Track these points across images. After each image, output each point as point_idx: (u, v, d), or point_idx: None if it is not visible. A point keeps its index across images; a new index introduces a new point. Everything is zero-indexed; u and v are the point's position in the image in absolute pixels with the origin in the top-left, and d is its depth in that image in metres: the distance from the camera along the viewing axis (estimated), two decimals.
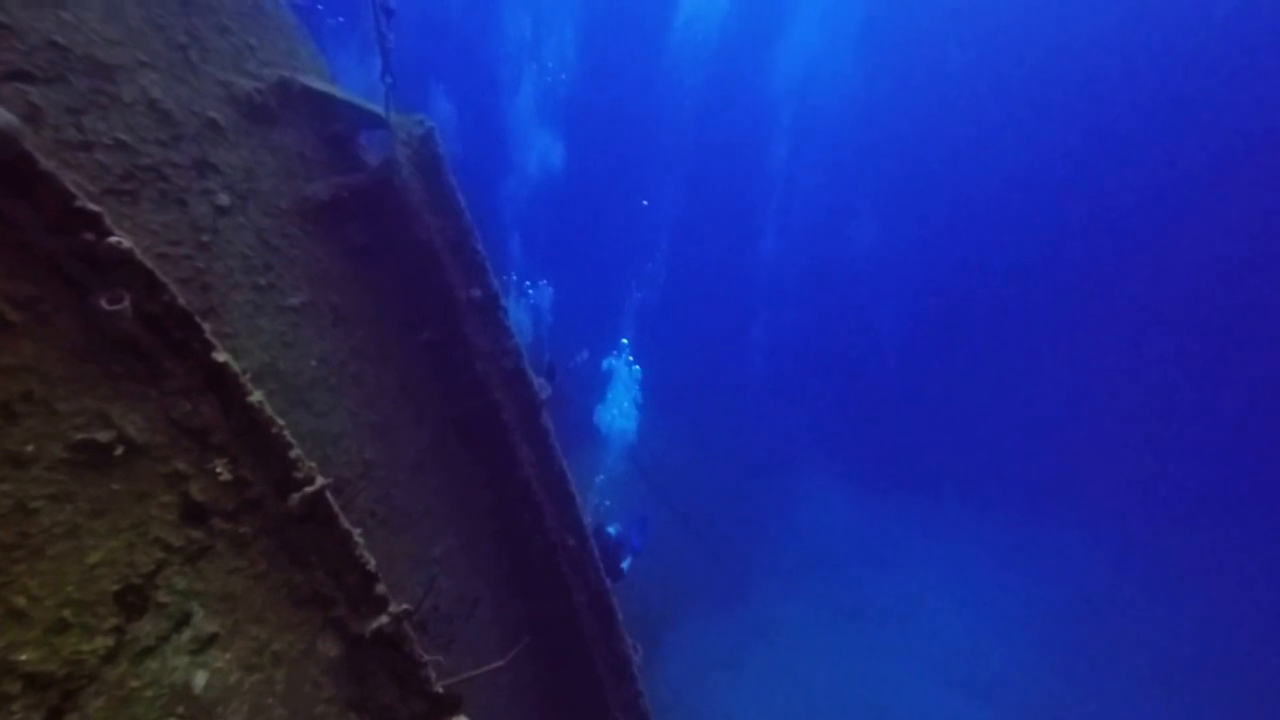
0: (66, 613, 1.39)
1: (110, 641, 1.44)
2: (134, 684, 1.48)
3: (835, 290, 23.98)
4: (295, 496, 1.79)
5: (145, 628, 1.50)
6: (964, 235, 24.15)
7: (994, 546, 16.08)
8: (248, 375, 1.73)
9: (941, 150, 23.38)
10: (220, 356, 1.64)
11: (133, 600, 1.49)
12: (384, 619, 1.95)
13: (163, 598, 1.54)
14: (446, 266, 4.07)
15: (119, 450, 1.47)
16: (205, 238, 3.00)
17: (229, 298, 2.98)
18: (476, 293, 4.21)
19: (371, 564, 1.98)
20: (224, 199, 3.14)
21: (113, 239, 1.47)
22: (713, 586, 13.02)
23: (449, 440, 4.04)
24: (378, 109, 3.82)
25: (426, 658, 2.06)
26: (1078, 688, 12.41)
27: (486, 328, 4.20)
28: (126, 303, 1.49)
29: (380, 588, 1.98)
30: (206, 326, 1.66)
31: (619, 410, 12.02)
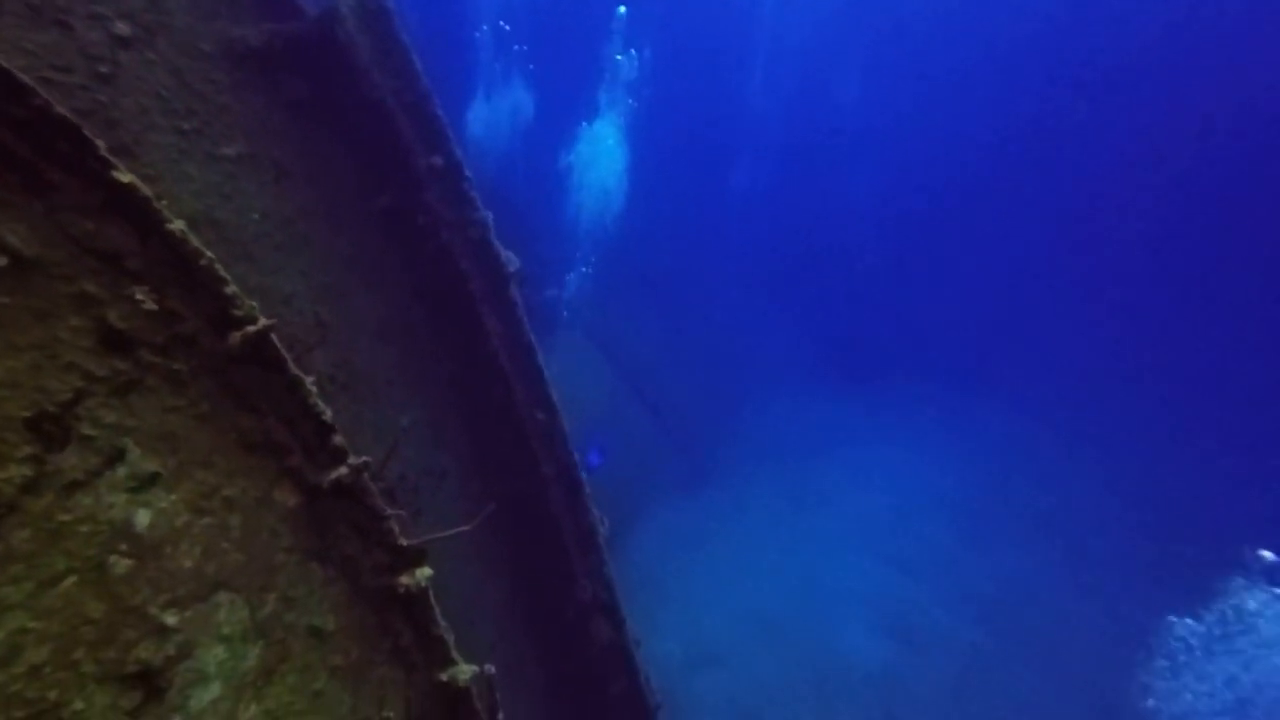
0: None
1: (28, 471, 1.32)
2: (64, 517, 1.38)
3: (813, 162, 23.36)
4: (235, 335, 1.63)
5: (70, 460, 1.38)
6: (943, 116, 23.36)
7: (924, 431, 17.09)
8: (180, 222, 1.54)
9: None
10: (123, 176, 1.43)
11: (50, 429, 1.36)
12: (343, 470, 1.87)
13: (88, 430, 1.41)
14: (403, 132, 3.74)
15: (1, 261, 1.29)
16: (104, 69, 2.64)
17: (145, 138, 2.68)
18: (438, 160, 3.90)
19: (327, 414, 1.87)
20: (123, 28, 2.75)
21: None
22: (678, 474, 13.53)
23: (413, 309, 3.87)
24: None
25: (389, 511, 2.01)
26: (991, 558, 13.59)
27: (449, 197, 3.93)
28: None
29: (338, 439, 1.88)
30: (100, 143, 1.43)
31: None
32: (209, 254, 1.59)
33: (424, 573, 2.04)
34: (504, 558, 4.30)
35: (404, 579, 2.01)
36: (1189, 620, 10.84)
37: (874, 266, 23.10)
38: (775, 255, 21.69)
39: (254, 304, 1.71)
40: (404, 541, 2.02)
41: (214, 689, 1.62)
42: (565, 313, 12.07)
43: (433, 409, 3.89)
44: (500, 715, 2.25)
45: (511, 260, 4.20)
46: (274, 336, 1.72)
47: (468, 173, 3.97)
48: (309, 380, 1.84)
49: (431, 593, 2.09)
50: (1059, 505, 15.16)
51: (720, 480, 14.27)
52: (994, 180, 23.36)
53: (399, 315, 3.79)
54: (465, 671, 2.15)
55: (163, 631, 1.52)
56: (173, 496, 1.55)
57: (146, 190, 1.46)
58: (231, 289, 1.64)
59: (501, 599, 4.28)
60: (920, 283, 23.06)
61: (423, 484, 3.75)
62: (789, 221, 22.62)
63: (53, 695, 1.33)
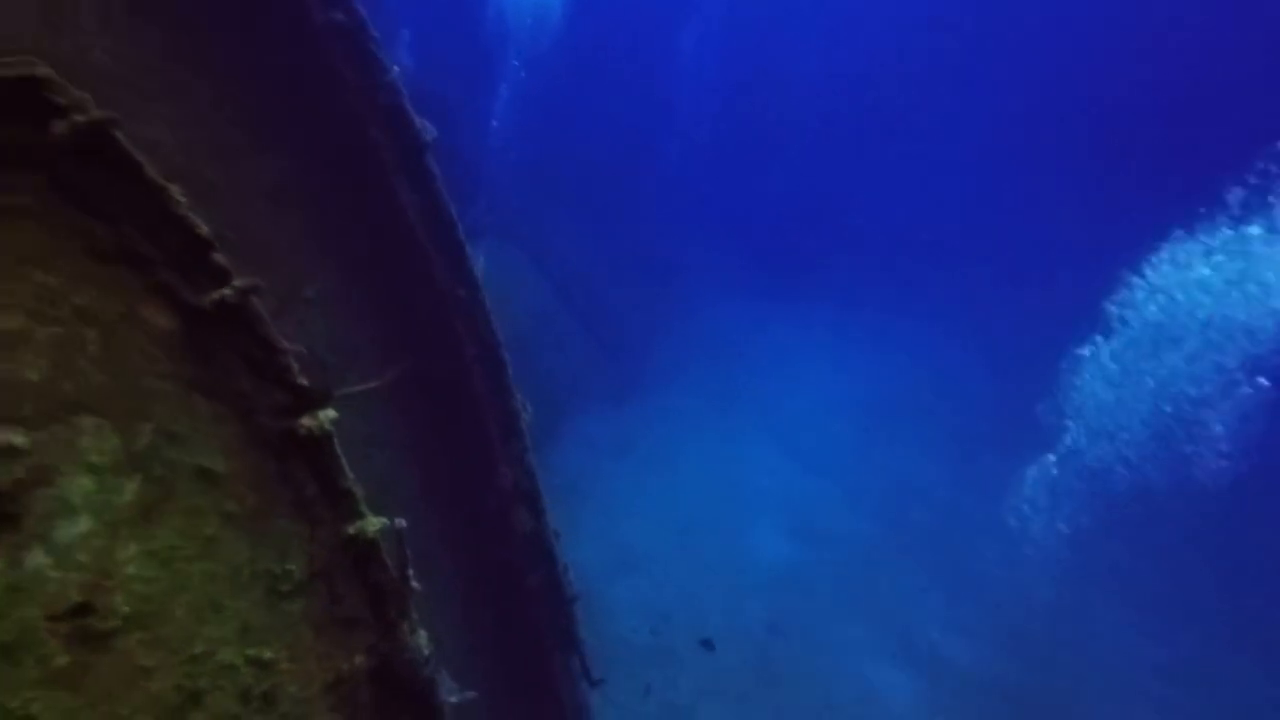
0: None
1: None
2: None
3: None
4: (61, 125, 1.35)
5: None
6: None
7: (850, 338, 17.89)
8: None
9: None
10: None
11: None
12: (226, 291, 1.64)
13: None
14: None
15: None
16: None
17: None
18: (339, 16, 3.44)
19: (203, 229, 1.62)
20: None
21: None
22: (608, 383, 13.56)
23: (317, 176, 3.49)
24: None
25: (287, 345, 1.81)
26: (907, 460, 14.59)
27: (353, 58, 3.50)
28: None
29: (219, 257, 1.65)
30: None
31: None
32: None
33: (328, 415, 1.87)
34: (420, 442, 4.16)
35: (306, 421, 1.84)
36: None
37: (801, 176, 23.23)
38: (707, 161, 21.42)
39: (87, 96, 1.41)
40: (305, 380, 1.84)
41: (83, 523, 1.43)
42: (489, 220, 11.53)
43: (342, 282, 3.60)
44: (410, 571, 2.17)
45: (428, 129, 3.84)
46: (118, 134, 1.45)
47: (373, 30, 3.54)
48: (176, 190, 1.58)
49: (336, 439, 1.94)
50: (952, 409, 16.20)
51: (648, 388, 14.42)
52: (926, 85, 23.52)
53: (300, 181, 3.41)
54: (374, 524, 2.04)
55: (9, 451, 1.31)
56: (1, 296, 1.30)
57: None
58: (47, 73, 1.34)
59: (416, 485, 4.17)
60: (848, 196, 23.26)
61: (331, 361, 3.50)
62: (715, 126, 22.20)
63: None
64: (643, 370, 14.48)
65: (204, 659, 1.69)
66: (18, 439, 1.30)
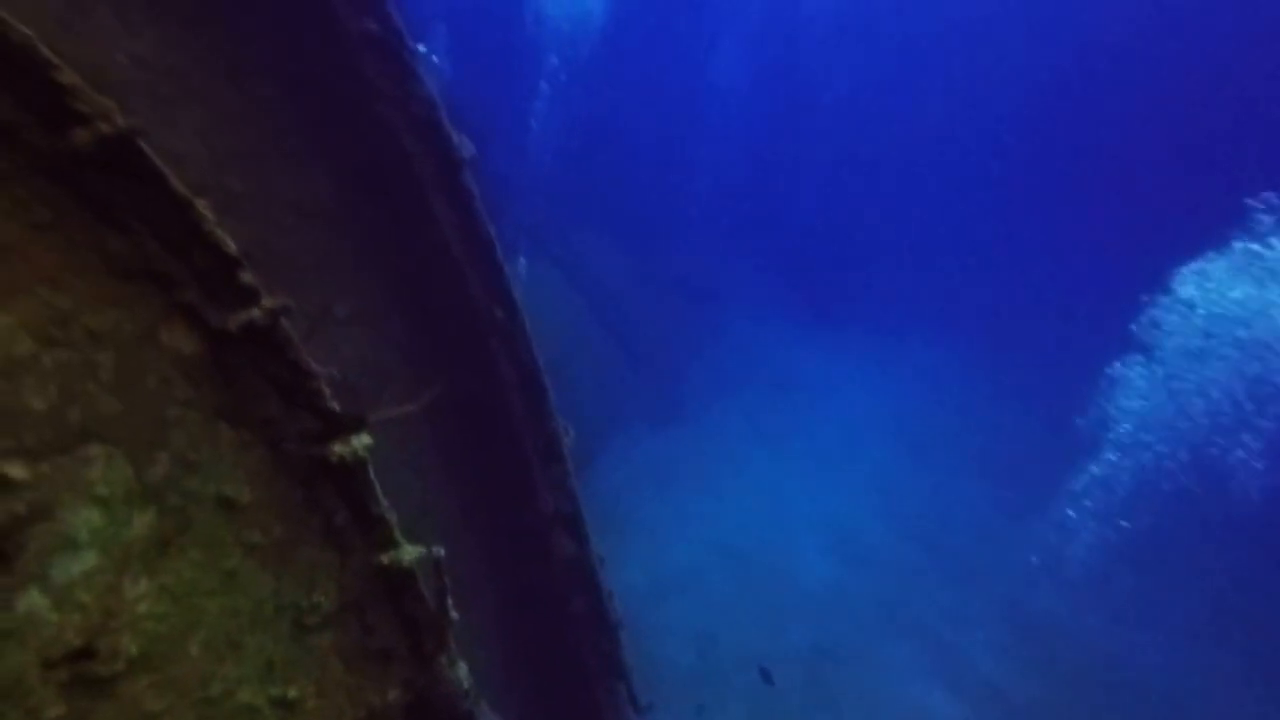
0: None
1: None
2: None
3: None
4: (82, 134, 1.27)
5: None
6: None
7: (886, 361, 17.67)
8: None
9: None
10: None
11: None
12: (255, 312, 1.54)
13: None
14: None
15: None
16: None
17: None
18: (372, 25, 3.42)
19: (231, 246, 1.53)
20: None
21: None
22: (644, 406, 13.48)
23: (350, 190, 3.45)
24: None
25: (319, 368, 1.70)
26: (935, 477, 14.47)
27: (386, 67, 3.46)
28: None
29: (247, 276, 1.55)
30: None
31: None
32: (25, 31, 1.21)
33: (362, 441, 1.76)
34: (459, 467, 4.05)
35: (337, 447, 1.72)
36: None
37: (839, 201, 23.14)
38: (743, 183, 21.45)
39: (109, 102, 1.33)
40: (336, 405, 1.73)
41: (87, 558, 1.33)
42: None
43: (374, 301, 3.53)
44: (449, 602, 2.02)
45: (465, 145, 3.79)
46: (142, 143, 1.36)
47: (409, 41, 3.51)
48: (202, 204, 1.49)
49: (371, 466, 1.82)
50: (988, 438, 15.90)
51: (686, 411, 14.36)
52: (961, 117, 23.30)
53: (331, 195, 3.37)
54: (410, 553, 1.90)
55: (5, 484, 1.22)
56: (6, 318, 1.22)
57: None
58: (70, 79, 1.26)
59: (455, 511, 4.05)
60: (884, 221, 23.17)
61: (363, 384, 3.43)
62: (759, 149, 22.27)
63: None
64: (680, 392, 14.41)
65: (221, 700, 1.57)
66: (15, 471, 1.20)
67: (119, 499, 1.36)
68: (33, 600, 1.20)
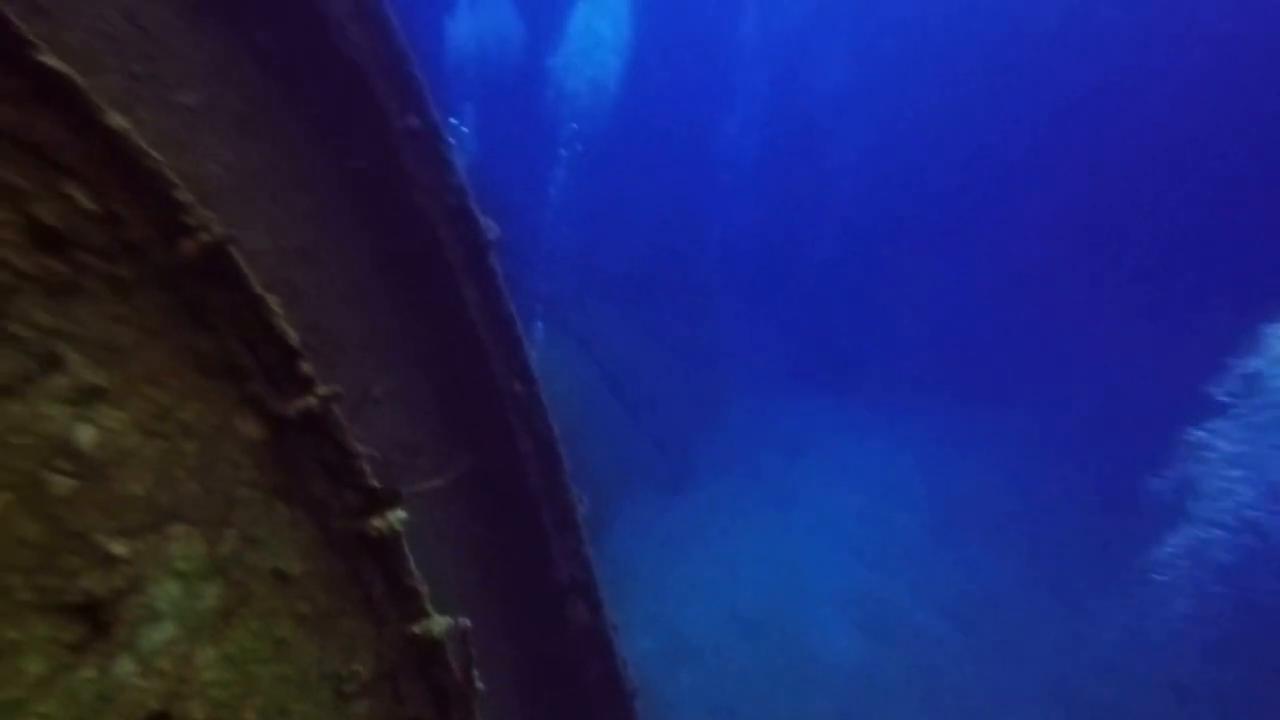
0: None
1: None
2: None
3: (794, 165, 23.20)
4: (189, 244, 1.51)
5: (1, 362, 1.25)
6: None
7: (899, 430, 17.24)
8: None
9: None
10: (55, 63, 1.31)
11: None
12: (311, 400, 1.75)
13: (19, 330, 1.28)
14: (379, 91, 3.64)
15: None
16: (44, 2, 2.53)
17: (93, 79, 2.55)
18: (414, 122, 3.80)
19: (293, 338, 1.75)
20: None
21: None
22: (656, 472, 13.47)
23: (386, 275, 3.74)
24: None
25: (361, 449, 1.89)
26: (961, 555, 13.83)
27: (426, 160, 3.83)
28: None
29: (305, 366, 1.77)
30: (24, 26, 1.32)
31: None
32: (158, 157, 1.47)
33: (398, 516, 1.92)
34: (477, 535, 4.17)
35: (376, 522, 1.89)
36: None
37: (850, 265, 23.04)
38: (755, 252, 21.66)
39: (210, 214, 1.59)
40: (376, 483, 1.91)
41: (167, 629, 1.49)
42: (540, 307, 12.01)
43: (405, 379, 3.76)
44: (475, 672, 2.13)
45: (491, 228, 4.10)
46: (233, 249, 1.61)
47: (446, 136, 3.88)
48: (272, 299, 1.72)
49: (405, 539, 1.98)
50: (1024, 507, 15.24)
51: (698, 478, 14.27)
52: (969, 180, 23.33)
53: (371, 280, 3.67)
54: (439, 624, 2.03)
55: (110, 561, 1.40)
56: (121, 415, 1.43)
57: (81, 81, 1.35)
58: (184, 195, 1.52)
59: (473, 578, 4.15)
60: (899, 281, 22.84)
61: (394, 458, 3.62)
62: (769, 219, 22.54)
63: None
64: (692, 460, 14.36)
65: None
66: (119, 549, 1.38)
67: (194, 573, 1.54)
68: (124, 667, 1.35)
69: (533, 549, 4.31)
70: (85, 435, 1.38)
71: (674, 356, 15.57)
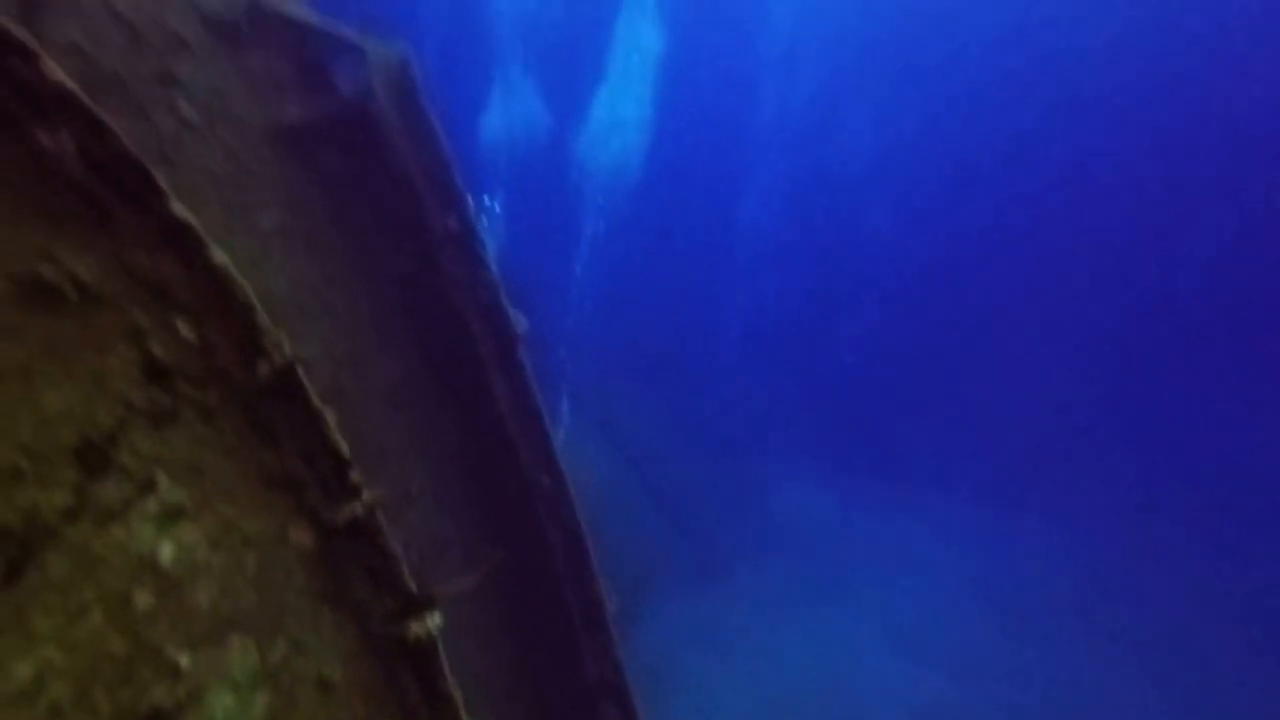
0: (22, 460, 1.30)
1: (70, 499, 1.36)
2: (99, 549, 1.40)
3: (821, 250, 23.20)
4: (265, 366, 1.71)
5: (109, 490, 1.42)
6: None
7: (948, 528, 16.41)
8: None
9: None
10: (180, 210, 1.56)
11: (93, 459, 1.41)
12: (357, 507, 1.88)
13: (126, 460, 1.45)
14: (423, 196, 3.99)
15: (71, 293, 1.38)
16: (170, 152, 2.91)
17: (196, 214, 2.90)
18: (453, 223, 4.14)
19: (345, 449, 1.91)
20: (190, 114, 3.04)
21: (47, 71, 1.37)
22: (685, 564, 13.09)
23: (422, 374, 3.96)
24: (353, 35, 3.71)
25: (399, 553, 2.00)
26: (1021, 656, 12.77)
27: (462, 258, 4.13)
28: (68, 140, 1.40)
29: (354, 474, 1.91)
30: (162, 180, 1.58)
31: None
32: (246, 286, 1.69)
33: (435, 620, 2.00)
34: (505, 634, 4.15)
35: (414, 626, 1.97)
36: None
37: (889, 341, 22.64)
38: (784, 331, 21.57)
39: (281, 335, 1.79)
40: (413, 587, 2.00)
41: None
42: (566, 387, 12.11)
43: (437, 476, 3.90)
44: None
45: (520, 321, 4.34)
46: (300, 369, 1.80)
47: (481, 236, 4.19)
48: (329, 412, 1.90)
49: (441, 644, 2.04)
50: (1137, 615, 13.95)
51: (729, 571, 13.74)
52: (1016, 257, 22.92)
53: (408, 380, 3.88)
54: None
55: (176, 673, 1.50)
56: (196, 530, 1.57)
57: (198, 224, 1.59)
58: (263, 319, 1.73)
59: (501, 680, 4.10)
60: (942, 362, 22.39)
61: (426, 554, 3.70)
62: (800, 296, 22.48)
63: None
64: (720, 551, 13.89)
65: None
66: (184, 661, 1.49)
67: (247, 683, 1.63)
68: None
69: (562, 649, 4.26)
70: (166, 552, 1.52)
71: (704, 444, 15.45)
